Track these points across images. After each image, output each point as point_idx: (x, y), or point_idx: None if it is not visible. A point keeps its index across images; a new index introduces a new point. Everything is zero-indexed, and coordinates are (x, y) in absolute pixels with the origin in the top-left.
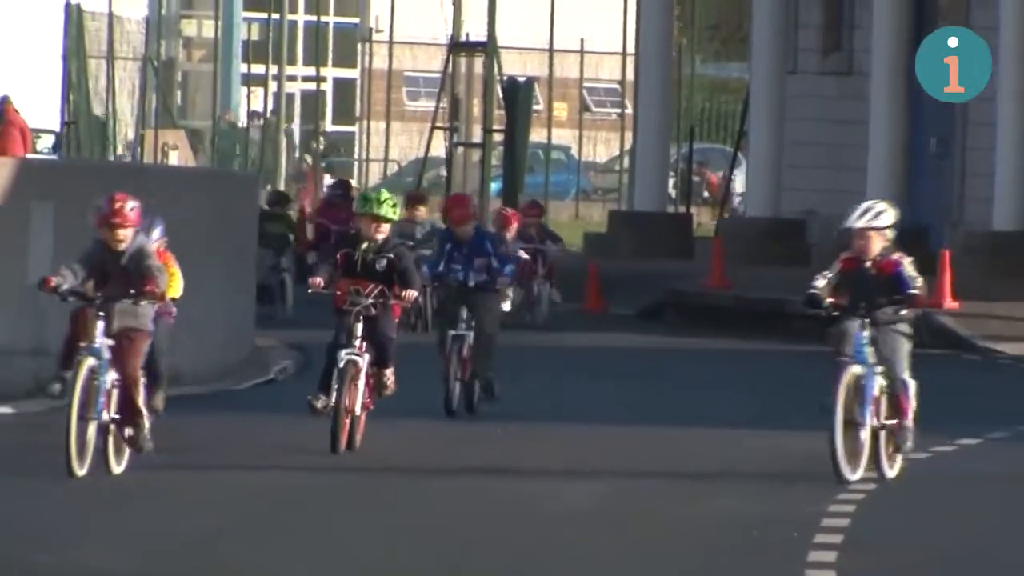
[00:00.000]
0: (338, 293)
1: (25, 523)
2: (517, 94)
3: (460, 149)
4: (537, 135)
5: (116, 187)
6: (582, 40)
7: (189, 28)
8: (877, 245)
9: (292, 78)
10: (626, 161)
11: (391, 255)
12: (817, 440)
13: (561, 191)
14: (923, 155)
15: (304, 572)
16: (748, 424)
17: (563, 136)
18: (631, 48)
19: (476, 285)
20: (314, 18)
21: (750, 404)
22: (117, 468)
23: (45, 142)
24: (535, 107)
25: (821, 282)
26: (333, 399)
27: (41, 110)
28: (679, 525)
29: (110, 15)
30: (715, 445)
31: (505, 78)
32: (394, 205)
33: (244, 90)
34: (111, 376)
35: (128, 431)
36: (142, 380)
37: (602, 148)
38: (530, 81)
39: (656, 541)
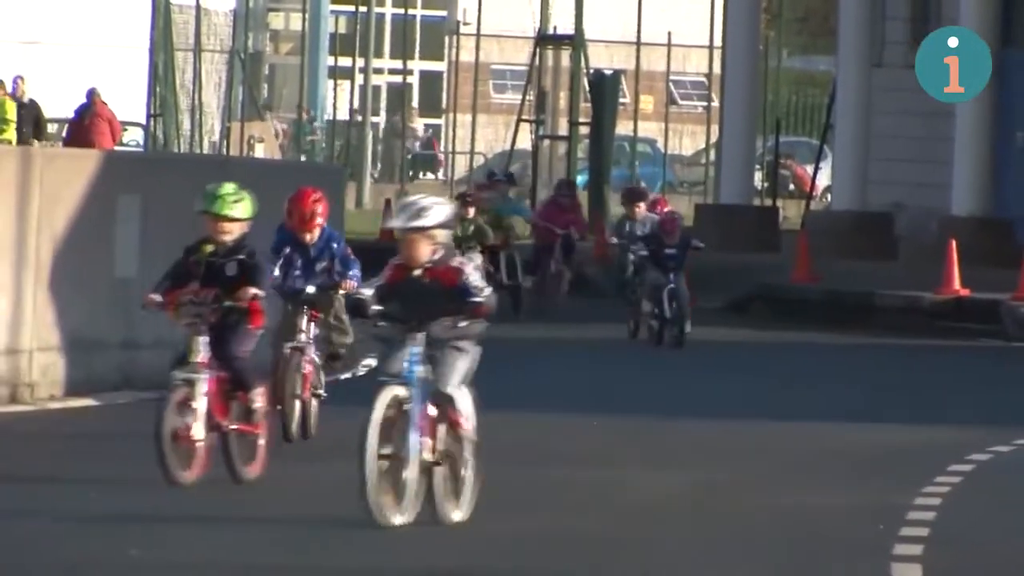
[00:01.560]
0: (170, 308)
1: (118, 518)
2: (604, 87)
3: (546, 142)
4: (623, 128)
5: (202, 179)
6: (669, 33)
7: (276, 21)
8: (424, 249)
9: (379, 71)
10: (712, 154)
11: (242, 257)
12: (906, 432)
13: (647, 184)
14: (1010, 148)
15: (385, 560)
16: (836, 417)
17: (649, 129)
18: (718, 41)
19: (316, 288)
20: (401, 11)
21: (838, 398)
22: None
23: (131, 135)
24: (621, 100)
25: (368, 291)
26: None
27: (127, 103)
28: (764, 518)
29: (197, 8)
30: (801, 438)
31: (592, 71)
32: (238, 200)
33: (331, 83)
34: None
35: None
36: None
37: (688, 141)
38: (617, 74)
39: (740, 533)
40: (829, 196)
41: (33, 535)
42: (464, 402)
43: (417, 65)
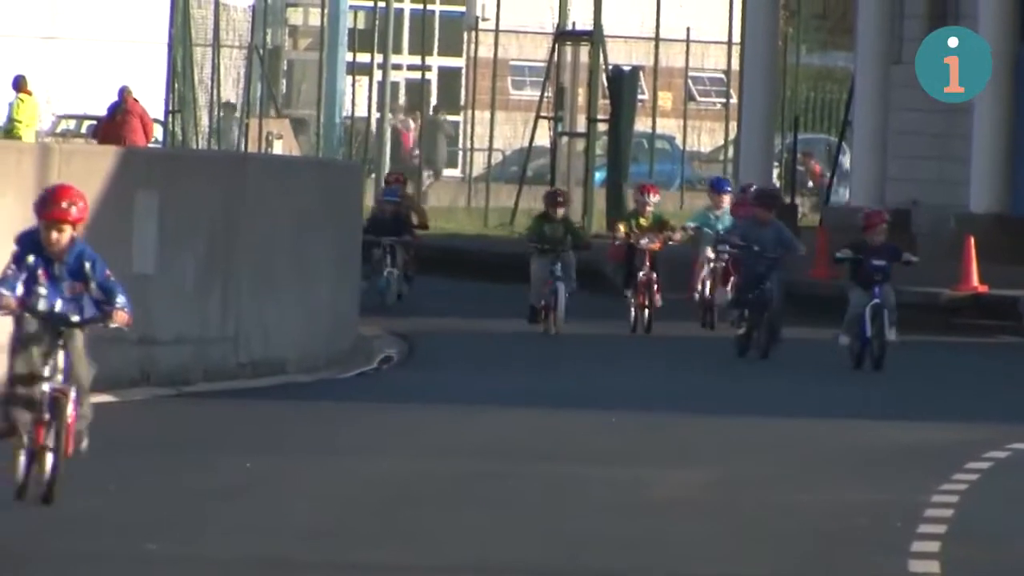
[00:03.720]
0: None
1: (135, 513)
2: (622, 83)
3: (564, 139)
4: (641, 124)
5: (221, 175)
6: (688, 29)
7: (295, 16)
8: None
9: (397, 67)
10: (730, 151)
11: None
12: (925, 430)
13: (665, 181)
14: None
15: (417, 561)
16: (853, 414)
17: (667, 125)
18: (737, 38)
19: (73, 316)
20: (420, 6)
21: (856, 394)
22: None
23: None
24: (640, 96)
25: None
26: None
27: (146, 99)
28: (782, 514)
29: (216, 3)
30: (819, 435)
31: (610, 67)
32: None
33: (349, 79)
34: None
35: None
36: None
37: (706, 138)
38: (635, 70)
39: (758, 529)
40: (838, 192)
41: (49, 528)
42: None
43: (435, 61)
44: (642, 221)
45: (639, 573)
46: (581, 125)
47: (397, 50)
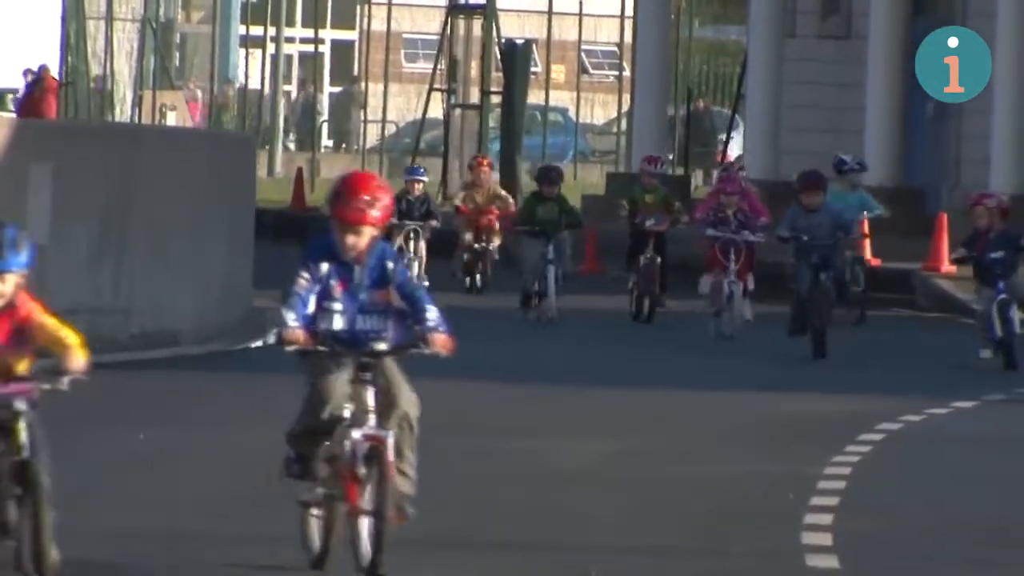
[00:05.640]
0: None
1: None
2: (515, 56)
3: (457, 111)
4: (534, 97)
5: (113, 148)
6: (580, 2)
7: None
8: None
9: (290, 40)
10: (623, 123)
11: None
12: (818, 402)
13: (559, 153)
14: (920, 118)
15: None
16: (748, 387)
17: (561, 98)
18: (630, 11)
19: (378, 343)
20: None
21: (751, 367)
22: None
23: None
24: (533, 69)
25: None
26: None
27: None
28: (677, 486)
29: None
30: (714, 408)
31: (503, 40)
32: None
33: (242, 52)
34: None
35: None
36: None
37: (599, 110)
38: (528, 43)
39: (651, 502)
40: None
41: None
42: None
43: (329, 34)
44: (647, 198)
45: (536, 544)
46: (474, 97)
47: (290, 23)
